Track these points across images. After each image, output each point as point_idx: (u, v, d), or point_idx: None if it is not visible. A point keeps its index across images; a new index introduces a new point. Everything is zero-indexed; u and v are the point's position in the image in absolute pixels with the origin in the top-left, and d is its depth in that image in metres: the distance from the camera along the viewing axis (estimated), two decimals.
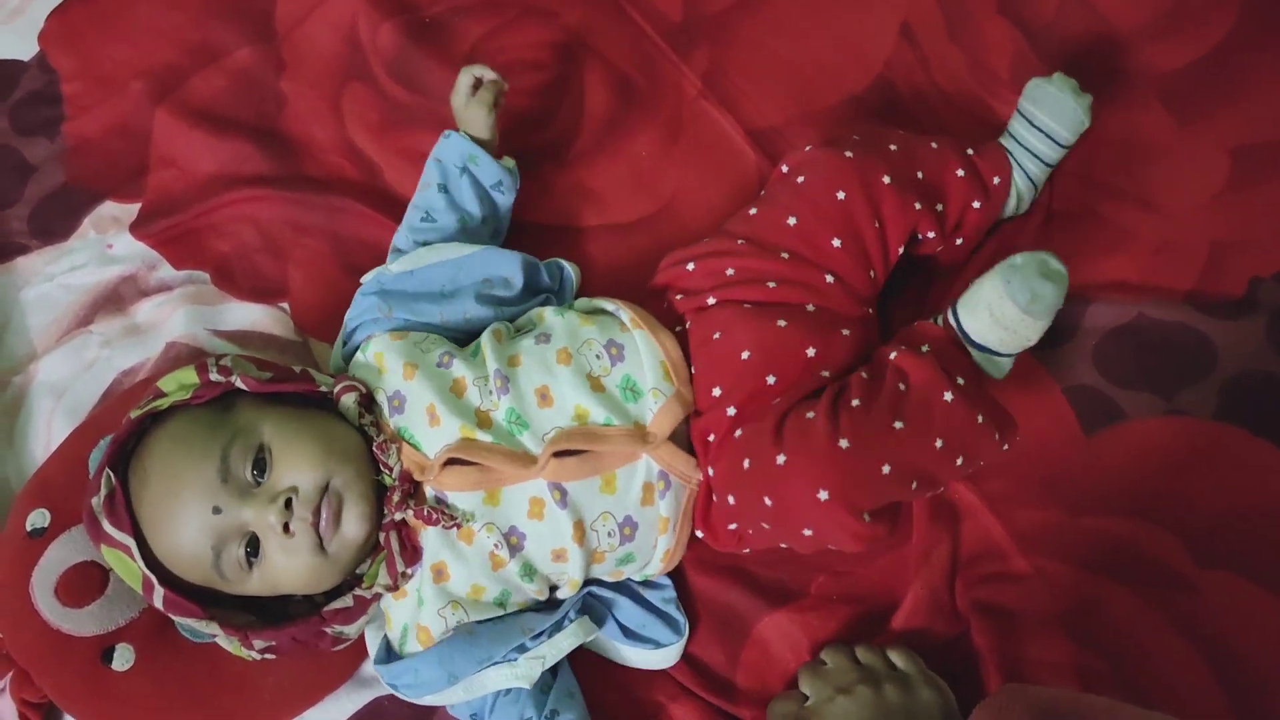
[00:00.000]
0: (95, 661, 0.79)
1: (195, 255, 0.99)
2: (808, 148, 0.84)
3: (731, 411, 0.76)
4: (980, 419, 0.72)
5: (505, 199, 0.91)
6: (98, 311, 0.98)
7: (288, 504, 0.70)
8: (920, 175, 0.82)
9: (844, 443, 0.69)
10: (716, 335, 0.78)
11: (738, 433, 0.75)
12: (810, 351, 0.77)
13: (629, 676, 0.82)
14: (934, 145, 0.84)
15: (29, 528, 0.82)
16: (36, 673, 0.79)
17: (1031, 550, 0.81)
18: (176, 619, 0.74)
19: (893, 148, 0.83)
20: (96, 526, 0.72)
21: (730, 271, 0.80)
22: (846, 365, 0.78)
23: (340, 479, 0.72)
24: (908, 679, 0.74)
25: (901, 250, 0.83)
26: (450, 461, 0.74)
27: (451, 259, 0.83)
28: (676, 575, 0.83)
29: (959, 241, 0.87)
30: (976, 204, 0.84)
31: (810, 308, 0.79)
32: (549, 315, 0.81)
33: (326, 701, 0.82)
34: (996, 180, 0.85)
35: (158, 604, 0.72)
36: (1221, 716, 0.75)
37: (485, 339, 0.79)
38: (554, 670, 0.78)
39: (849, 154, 0.81)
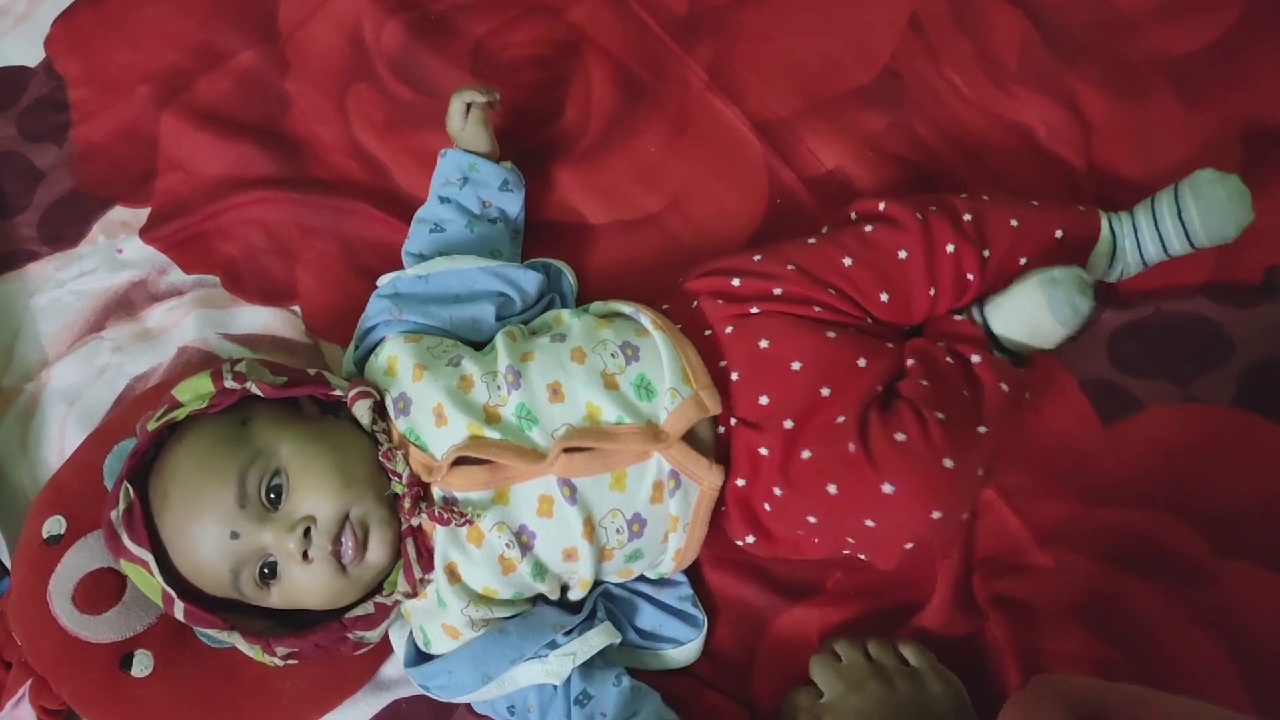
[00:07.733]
0: (114, 668, 0.79)
1: (205, 259, 0.99)
2: (881, 205, 0.82)
3: (789, 425, 0.75)
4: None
5: (513, 199, 0.91)
6: (109, 317, 0.98)
7: (306, 532, 0.70)
8: (986, 254, 0.80)
9: (948, 462, 0.71)
10: (764, 344, 0.77)
11: (805, 454, 0.74)
12: (861, 362, 0.76)
13: (649, 674, 0.81)
14: (1014, 224, 0.80)
15: (45, 535, 0.82)
16: (55, 680, 0.79)
17: (1050, 544, 0.81)
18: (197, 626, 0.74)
19: (967, 218, 0.80)
20: (116, 540, 0.72)
21: (777, 291, 0.79)
22: (896, 374, 0.78)
23: (360, 508, 0.72)
24: (919, 674, 0.74)
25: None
26: (459, 462, 0.73)
27: (468, 269, 0.83)
28: (692, 573, 0.83)
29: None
30: None
31: (853, 330, 0.79)
32: (566, 317, 0.81)
33: (345, 705, 0.83)
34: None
35: (179, 617, 0.72)
36: (1241, 707, 0.74)
37: (499, 339, 0.79)
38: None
39: (919, 216, 0.79)
